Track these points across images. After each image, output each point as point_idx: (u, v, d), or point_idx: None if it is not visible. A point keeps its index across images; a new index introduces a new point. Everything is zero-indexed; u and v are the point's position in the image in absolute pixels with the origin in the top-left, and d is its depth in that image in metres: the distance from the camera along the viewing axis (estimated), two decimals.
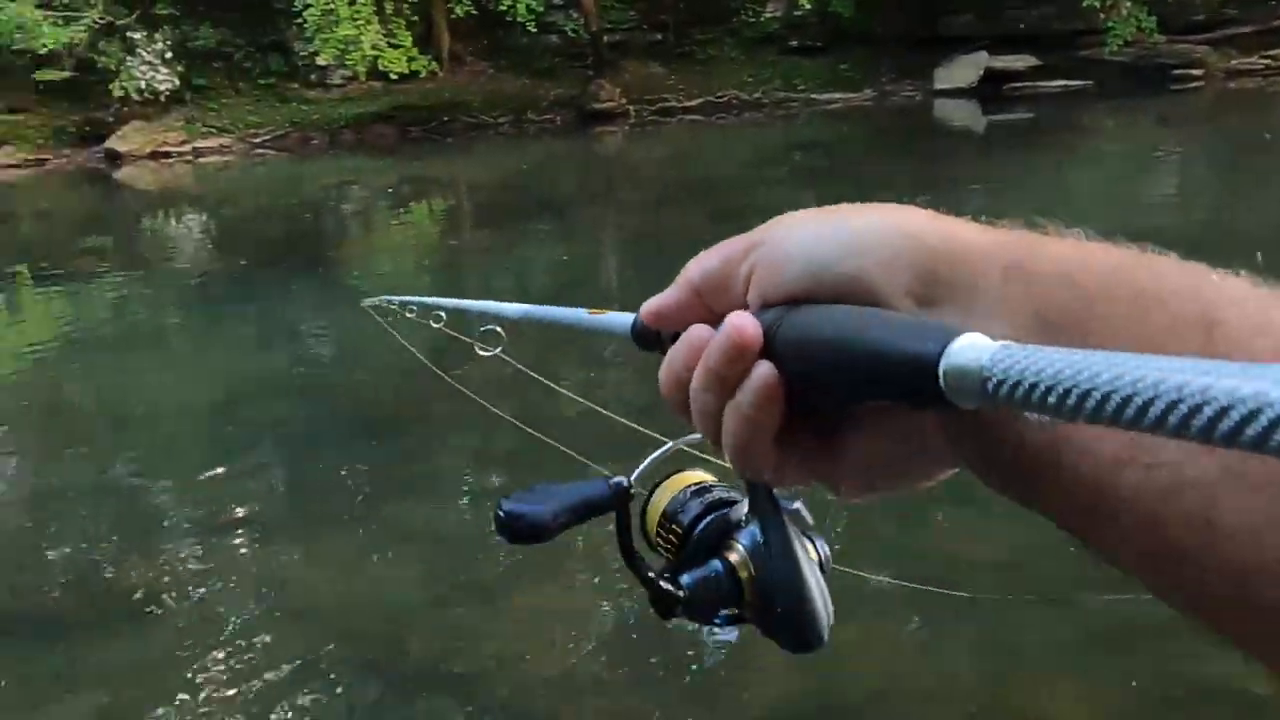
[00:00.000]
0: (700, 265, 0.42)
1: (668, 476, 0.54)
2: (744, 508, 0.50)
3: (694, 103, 23.11)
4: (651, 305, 0.44)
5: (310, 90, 23.67)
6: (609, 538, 0.51)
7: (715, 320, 0.39)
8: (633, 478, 0.52)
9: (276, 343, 6.85)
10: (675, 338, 0.42)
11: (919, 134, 16.58)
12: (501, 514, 0.50)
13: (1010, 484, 0.34)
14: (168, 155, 21.93)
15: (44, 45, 21.11)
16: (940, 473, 0.39)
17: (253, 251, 10.89)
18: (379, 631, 2.99)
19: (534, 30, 23.12)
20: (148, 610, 3.17)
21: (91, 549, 3.67)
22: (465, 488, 4.00)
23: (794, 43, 23.86)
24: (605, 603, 3.04)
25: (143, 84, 21.93)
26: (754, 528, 0.49)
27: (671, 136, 20.43)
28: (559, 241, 9.90)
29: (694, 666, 2.71)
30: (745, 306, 0.39)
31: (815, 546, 0.50)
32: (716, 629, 0.53)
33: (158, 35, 22.50)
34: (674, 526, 0.51)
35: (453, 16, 22.83)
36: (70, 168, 21.78)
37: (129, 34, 22.26)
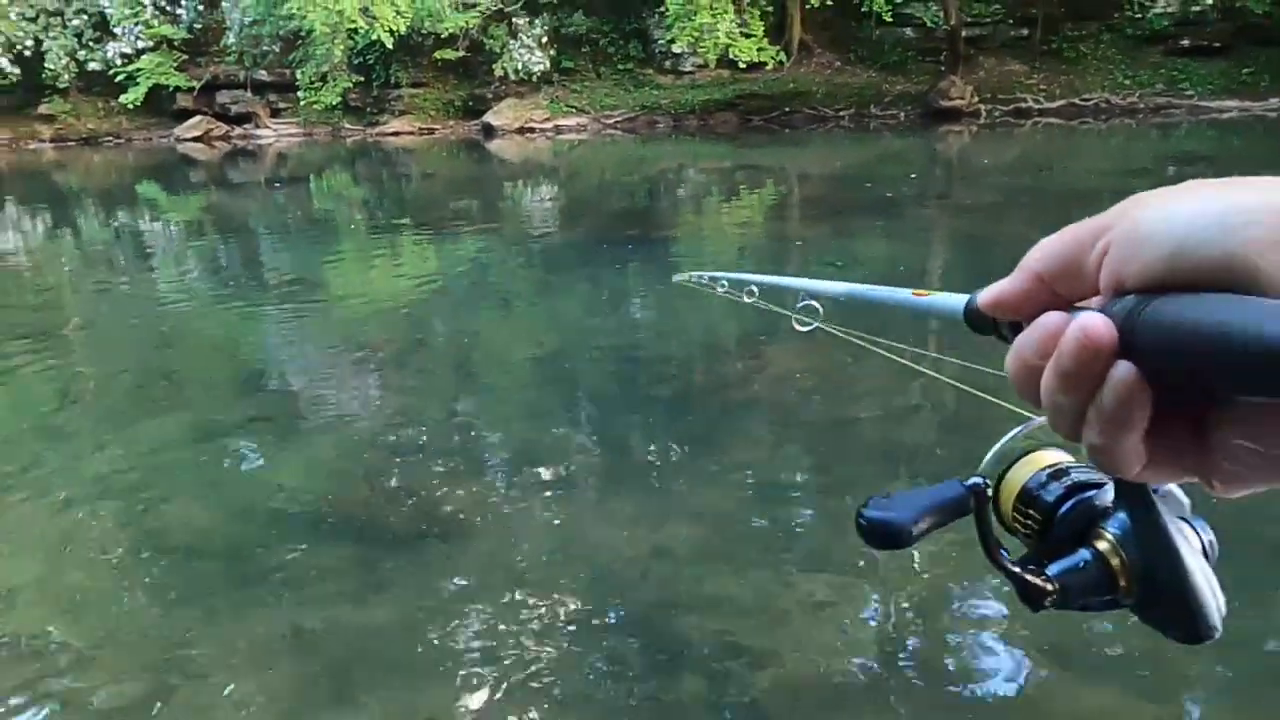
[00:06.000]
0: (1044, 250, 0.39)
1: (1022, 455, 0.52)
2: (1109, 492, 0.48)
3: (1054, 104, 21.37)
4: (990, 293, 0.41)
5: (663, 76, 24.87)
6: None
7: (1065, 307, 0.37)
8: (985, 478, 0.52)
9: (600, 308, 7.32)
10: (1015, 325, 0.40)
11: None
12: (864, 521, 0.50)
13: None
14: (532, 130, 24.16)
15: (446, 29, 24.05)
16: None
17: (591, 222, 11.72)
18: (648, 596, 3.11)
19: (889, 21, 22.52)
20: (457, 535, 3.54)
21: (423, 473, 4.16)
22: (751, 471, 4.02)
23: (1185, 41, 21.31)
24: (876, 605, 2.92)
25: (520, 65, 24.33)
26: (1123, 514, 0.47)
27: (1024, 139, 19.02)
28: (885, 240, 9.61)
29: (975, 678, 2.54)
30: (1096, 293, 0.37)
31: (1196, 531, 0.47)
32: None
33: (537, 21, 24.81)
34: (1033, 510, 0.50)
35: (808, 6, 22.82)
36: (453, 137, 24.70)
37: (514, 19, 24.72)
